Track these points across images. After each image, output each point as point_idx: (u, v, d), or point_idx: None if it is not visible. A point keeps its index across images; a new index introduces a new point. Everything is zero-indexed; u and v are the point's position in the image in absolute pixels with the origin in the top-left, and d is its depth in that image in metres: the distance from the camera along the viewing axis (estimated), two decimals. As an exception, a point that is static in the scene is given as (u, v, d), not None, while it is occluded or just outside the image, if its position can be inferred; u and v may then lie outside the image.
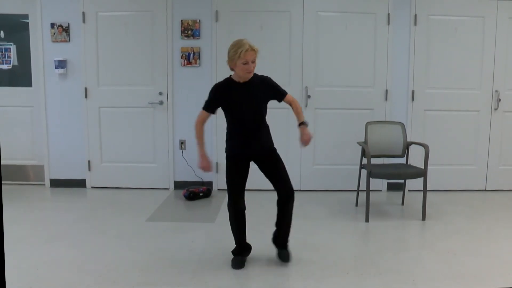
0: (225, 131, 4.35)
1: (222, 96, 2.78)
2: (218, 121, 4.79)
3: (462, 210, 4.22)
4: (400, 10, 4.70)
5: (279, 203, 2.90)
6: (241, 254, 2.94)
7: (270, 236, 3.42)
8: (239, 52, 2.63)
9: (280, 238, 2.99)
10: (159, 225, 3.76)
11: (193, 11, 4.74)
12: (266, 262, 2.98)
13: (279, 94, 2.90)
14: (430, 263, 2.98)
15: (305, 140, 2.84)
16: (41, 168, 5.02)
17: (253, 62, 2.68)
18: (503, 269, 2.88)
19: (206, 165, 2.86)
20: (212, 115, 2.91)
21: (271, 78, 2.89)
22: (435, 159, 4.74)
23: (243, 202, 2.87)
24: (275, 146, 2.95)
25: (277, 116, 4.72)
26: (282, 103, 2.97)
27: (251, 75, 2.74)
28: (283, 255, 2.95)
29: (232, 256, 2.94)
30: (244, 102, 2.76)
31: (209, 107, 2.83)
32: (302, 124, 2.87)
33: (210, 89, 2.86)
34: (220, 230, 3.58)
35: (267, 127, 2.91)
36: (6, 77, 5.03)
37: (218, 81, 2.88)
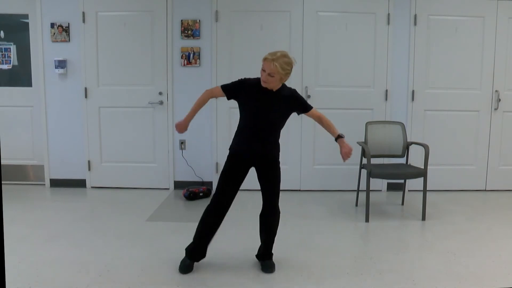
0: (225, 131, 4.36)
1: (245, 91, 2.69)
2: (219, 121, 4.79)
3: (462, 210, 4.22)
4: (400, 10, 4.70)
5: (261, 216, 2.84)
6: (193, 256, 2.82)
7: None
8: (264, 58, 2.58)
9: (262, 250, 2.89)
10: (159, 225, 3.76)
11: (193, 11, 4.74)
12: (266, 262, 2.97)
13: (304, 108, 2.81)
14: (430, 263, 2.98)
15: (345, 153, 2.77)
16: (41, 168, 5.02)
17: (270, 75, 2.56)
18: (503, 269, 2.88)
19: (182, 128, 2.81)
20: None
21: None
22: (435, 159, 4.74)
23: (228, 203, 2.74)
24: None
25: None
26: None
27: (266, 85, 2.62)
28: (266, 266, 2.83)
29: (184, 256, 2.82)
30: (261, 108, 2.67)
31: (227, 89, 2.73)
32: (339, 137, 2.82)
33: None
34: (219, 230, 3.57)
35: (277, 139, 2.78)
36: (6, 77, 5.03)
37: (248, 77, 2.77)
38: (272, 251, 2.92)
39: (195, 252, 2.82)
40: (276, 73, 2.55)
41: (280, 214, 2.86)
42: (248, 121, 2.72)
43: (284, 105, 2.72)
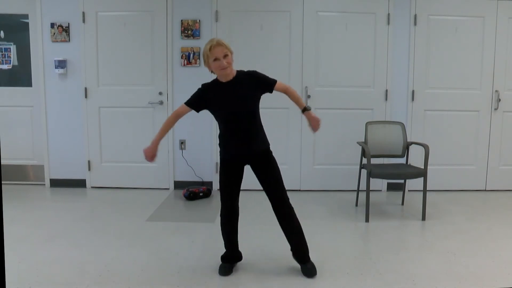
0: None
1: (208, 97, 2.67)
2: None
3: (462, 210, 4.22)
4: (400, 10, 4.71)
5: (275, 211, 2.76)
6: (229, 261, 2.85)
7: (269, 234, 3.43)
8: (207, 50, 2.56)
9: (295, 251, 2.80)
10: (159, 225, 3.76)
11: (193, 11, 4.74)
12: (266, 262, 2.97)
13: (268, 84, 2.71)
14: (430, 263, 2.98)
15: (314, 125, 2.73)
16: (41, 168, 5.02)
17: (226, 57, 2.55)
18: (503, 269, 2.88)
19: (151, 154, 2.68)
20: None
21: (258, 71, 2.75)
22: (435, 159, 4.75)
23: (235, 205, 2.78)
24: (274, 147, 2.84)
25: (276, 116, 4.73)
26: (279, 94, 2.83)
27: (227, 71, 2.59)
28: (305, 270, 2.76)
29: (220, 263, 2.85)
30: (232, 102, 2.63)
31: (192, 103, 2.70)
32: (305, 110, 2.77)
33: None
34: (220, 230, 3.57)
35: (260, 126, 2.73)
36: (6, 77, 5.03)
37: (205, 83, 2.76)
38: (308, 251, 2.80)
39: (230, 257, 2.87)
40: (228, 51, 2.58)
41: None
42: (225, 123, 2.69)
43: (248, 88, 2.66)
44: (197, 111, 2.74)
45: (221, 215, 2.82)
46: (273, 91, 2.76)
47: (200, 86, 2.74)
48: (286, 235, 2.79)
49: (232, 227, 2.82)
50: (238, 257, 2.91)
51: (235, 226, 2.84)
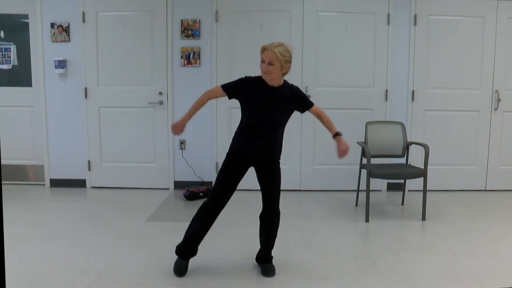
0: (225, 131, 4.25)
1: (249, 88, 2.65)
2: (219, 121, 4.79)
3: (462, 210, 4.22)
4: (400, 10, 4.71)
5: (261, 217, 2.78)
6: (187, 256, 2.78)
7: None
8: (261, 49, 2.59)
9: (262, 253, 2.85)
10: (159, 225, 3.76)
11: (193, 11, 4.74)
12: (266, 262, 2.97)
13: (305, 105, 2.78)
14: (430, 263, 2.98)
15: (342, 151, 2.72)
16: (41, 168, 5.02)
17: (270, 64, 2.54)
18: (503, 269, 2.88)
19: (178, 129, 2.70)
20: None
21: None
22: (435, 159, 4.74)
23: (223, 202, 2.68)
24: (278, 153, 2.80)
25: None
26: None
27: (266, 77, 2.60)
28: (266, 269, 2.78)
29: (176, 257, 2.78)
30: (266, 106, 2.63)
31: (228, 88, 2.66)
32: (337, 134, 2.79)
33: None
34: (220, 230, 3.57)
35: (281, 138, 2.74)
36: (6, 77, 5.03)
37: (249, 76, 2.72)
38: (272, 254, 2.88)
39: (187, 251, 2.78)
40: (276, 60, 2.53)
41: (280, 214, 2.83)
42: (250, 120, 2.67)
43: (287, 102, 2.69)
44: (230, 97, 2.71)
45: (204, 205, 2.71)
46: (306, 112, 2.81)
47: (241, 77, 2.72)
48: (261, 238, 2.83)
49: (209, 222, 2.72)
50: (195, 251, 2.80)
51: (211, 223, 2.73)
